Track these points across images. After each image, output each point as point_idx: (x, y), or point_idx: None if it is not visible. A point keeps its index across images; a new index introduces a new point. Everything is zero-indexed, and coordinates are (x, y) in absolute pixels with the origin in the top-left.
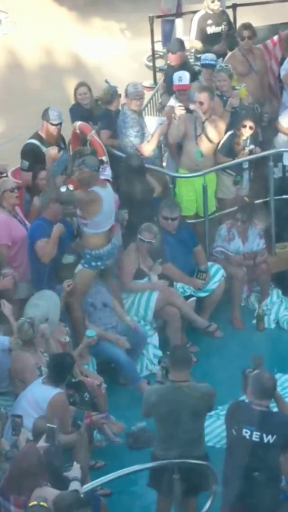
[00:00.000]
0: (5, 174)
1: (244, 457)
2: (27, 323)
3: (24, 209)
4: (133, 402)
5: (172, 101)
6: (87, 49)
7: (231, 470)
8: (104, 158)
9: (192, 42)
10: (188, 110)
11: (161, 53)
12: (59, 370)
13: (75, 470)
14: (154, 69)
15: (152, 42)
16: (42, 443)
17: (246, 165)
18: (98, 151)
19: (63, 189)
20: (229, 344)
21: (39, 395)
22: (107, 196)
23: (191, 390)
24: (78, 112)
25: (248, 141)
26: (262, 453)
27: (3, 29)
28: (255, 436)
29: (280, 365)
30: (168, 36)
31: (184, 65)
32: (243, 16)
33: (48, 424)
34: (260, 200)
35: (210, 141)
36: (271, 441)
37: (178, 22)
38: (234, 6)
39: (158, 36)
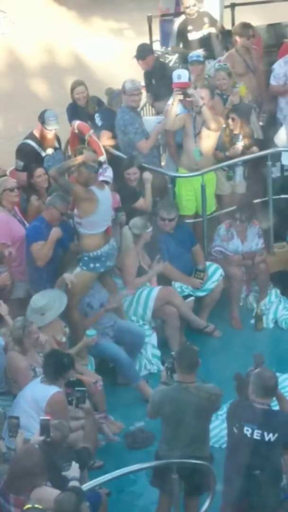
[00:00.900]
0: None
1: (245, 456)
2: (20, 322)
3: (20, 208)
4: (131, 402)
5: (170, 100)
6: (86, 48)
7: (232, 468)
8: (102, 158)
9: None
10: (186, 94)
11: (160, 53)
12: (53, 367)
13: (74, 470)
14: None
15: (151, 42)
16: (37, 437)
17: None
18: (97, 151)
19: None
20: (228, 344)
21: (38, 395)
22: (104, 198)
23: (199, 391)
24: (75, 111)
25: (240, 137)
26: (263, 452)
27: (1, 29)
28: (256, 434)
29: (279, 365)
30: (166, 35)
31: (156, 66)
32: (242, 16)
33: (42, 417)
34: (258, 200)
35: (209, 128)
36: (272, 439)
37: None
38: (232, 6)
39: (157, 36)
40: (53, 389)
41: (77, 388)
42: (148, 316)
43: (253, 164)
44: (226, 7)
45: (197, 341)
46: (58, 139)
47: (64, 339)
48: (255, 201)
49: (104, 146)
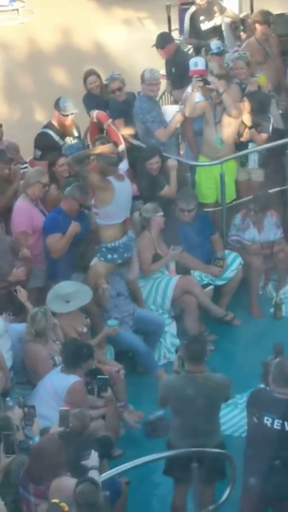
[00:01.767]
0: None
1: (265, 445)
2: (41, 312)
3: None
4: (151, 391)
5: (189, 88)
6: (106, 37)
7: (252, 458)
8: (121, 147)
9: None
10: (206, 82)
11: (178, 41)
12: (72, 356)
13: (93, 459)
14: None
15: (170, 30)
16: (56, 428)
17: (251, 147)
18: (115, 140)
19: None
20: (247, 332)
21: (57, 384)
22: (122, 189)
23: (206, 381)
24: (91, 101)
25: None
26: (283, 442)
27: (20, 18)
28: (277, 424)
29: None
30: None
31: (177, 55)
32: (260, 4)
33: (61, 408)
34: (277, 189)
35: (230, 115)
36: None
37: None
38: None
39: (176, 24)
40: (73, 378)
41: (99, 376)
42: (167, 305)
43: (273, 153)
44: None
45: (217, 330)
46: (77, 128)
47: (85, 330)
48: (274, 190)
49: (122, 135)
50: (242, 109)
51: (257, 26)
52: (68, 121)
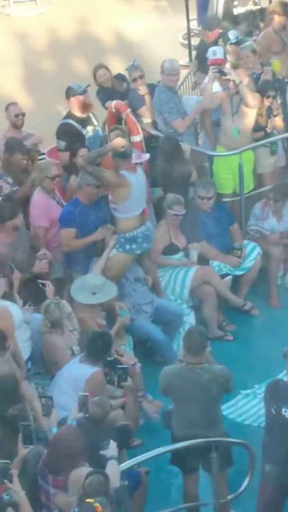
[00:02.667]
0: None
1: (283, 436)
2: (53, 303)
3: (61, 187)
4: None
5: (207, 78)
6: (124, 26)
7: (270, 448)
8: (139, 137)
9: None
10: (222, 73)
11: (197, 31)
12: (97, 348)
13: (112, 449)
14: (189, 47)
15: (188, 20)
16: (75, 413)
17: (276, 134)
18: (133, 130)
19: None
20: (266, 322)
21: (76, 374)
22: (137, 181)
23: (205, 372)
24: (104, 94)
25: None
26: None
27: (38, 9)
28: None
29: None
30: (204, 13)
31: (217, 42)
32: None
33: (81, 393)
34: None
35: (247, 105)
36: None
37: None
38: None
39: (193, 14)
40: (91, 369)
41: (118, 366)
42: (185, 295)
43: None
44: None
45: (235, 320)
46: (95, 117)
47: (104, 322)
48: None
49: (141, 125)
50: (259, 99)
51: (276, 16)
52: (87, 99)
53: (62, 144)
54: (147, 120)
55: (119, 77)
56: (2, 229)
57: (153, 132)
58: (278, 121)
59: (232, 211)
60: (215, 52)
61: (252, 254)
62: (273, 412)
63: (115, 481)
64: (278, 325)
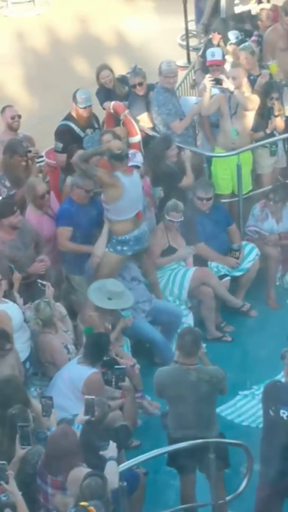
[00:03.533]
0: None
1: (282, 438)
2: (44, 302)
3: (59, 188)
4: None
5: (207, 77)
6: (123, 27)
7: (268, 449)
8: (137, 138)
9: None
10: (218, 81)
11: (195, 32)
12: (96, 349)
13: (112, 450)
14: (187, 48)
15: (186, 21)
16: (82, 417)
17: (277, 135)
18: (131, 131)
19: None
20: (264, 323)
21: (75, 375)
22: (131, 184)
23: (199, 373)
24: (104, 94)
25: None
26: None
27: (36, 9)
28: None
29: None
30: (201, 14)
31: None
32: None
33: (87, 396)
34: None
35: (245, 109)
36: None
37: None
38: None
39: (191, 15)
40: (90, 370)
41: (116, 366)
42: (184, 296)
43: None
44: None
45: (233, 321)
46: (97, 119)
47: (110, 327)
48: None
49: (139, 126)
50: (256, 101)
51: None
52: (86, 113)
53: (59, 145)
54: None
55: (122, 80)
56: None
57: (151, 133)
58: (280, 122)
59: (230, 212)
60: (213, 54)
61: (251, 255)
62: (271, 413)
63: (113, 482)
64: (276, 326)
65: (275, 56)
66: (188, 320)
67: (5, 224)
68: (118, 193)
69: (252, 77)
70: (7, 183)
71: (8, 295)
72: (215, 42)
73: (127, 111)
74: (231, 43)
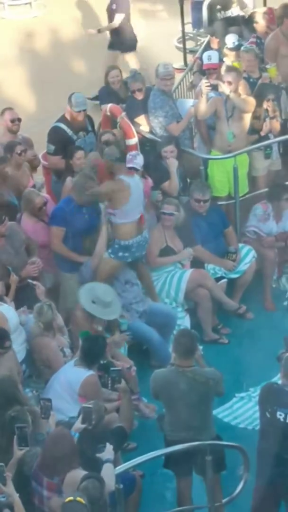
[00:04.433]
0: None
1: (278, 440)
2: (46, 305)
3: (52, 191)
4: None
5: (203, 82)
6: None
7: (265, 451)
8: (134, 141)
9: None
10: (214, 87)
11: (191, 35)
12: (92, 352)
13: (108, 452)
14: (184, 50)
15: (182, 24)
16: (79, 425)
17: (272, 137)
18: (128, 134)
19: None
20: (261, 326)
21: (71, 377)
22: (135, 185)
23: (195, 375)
24: (107, 94)
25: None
26: None
27: (33, 12)
28: None
29: None
30: (198, 17)
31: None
32: None
33: (84, 405)
34: None
35: (242, 111)
36: None
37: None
38: None
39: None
40: (86, 372)
41: (112, 368)
42: (180, 298)
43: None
44: None
45: (230, 323)
46: (91, 122)
47: (100, 329)
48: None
49: (136, 129)
50: (253, 103)
51: (286, 20)
52: (81, 116)
53: (52, 148)
54: (144, 128)
55: (126, 84)
56: None
57: (148, 136)
58: (275, 124)
59: (227, 214)
60: (209, 57)
61: (247, 258)
62: (267, 415)
63: (110, 484)
64: (272, 328)
65: (276, 62)
66: (185, 322)
67: None
68: (125, 197)
69: (251, 80)
70: None
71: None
72: (214, 46)
73: (123, 113)
74: (228, 47)
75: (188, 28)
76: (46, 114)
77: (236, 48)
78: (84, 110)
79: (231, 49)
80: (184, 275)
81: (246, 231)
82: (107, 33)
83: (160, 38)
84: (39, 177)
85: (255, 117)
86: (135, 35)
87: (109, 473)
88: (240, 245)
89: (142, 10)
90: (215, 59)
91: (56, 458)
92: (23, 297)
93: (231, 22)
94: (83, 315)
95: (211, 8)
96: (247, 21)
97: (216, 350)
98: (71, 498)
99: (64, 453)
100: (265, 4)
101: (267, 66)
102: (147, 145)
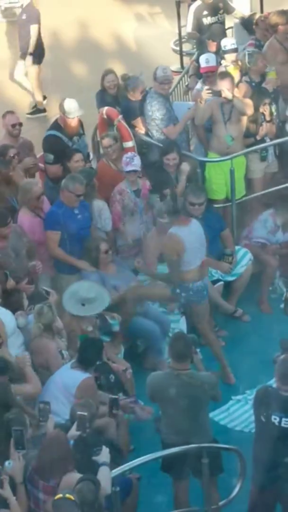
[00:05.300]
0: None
1: (273, 443)
2: (47, 306)
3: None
4: None
5: (199, 85)
6: (114, 33)
7: (261, 455)
8: (131, 143)
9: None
10: (215, 93)
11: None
12: (89, 355)
13: (104, 455)
14: (180, 53)
15: (179, 27)
16: (73, 432)
17: (268, 140)
18: (125, 136)
19: None
20: (257, 328)
21: (68, 380)
22: (191, 234)
23: (190, 379)
24: (104, 98)
25: (264, 116)
26: None
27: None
28: (285, 423)
29: None
30: None
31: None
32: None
33: (79, 412)
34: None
35: (242, 114)
36: None
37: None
38: None
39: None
40: (83, 375)
41: (110, 397)
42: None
43: (283, 148)
44: None
45: (226, 326)
46: (81, 125)
47: (90, 329)
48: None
49: (134, 132)
50: (251, 104)
51: (280, 27)
52: (74, 122)
53: (51, 157)
54: (140, 131)
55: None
56: None
57: (145, 138)
58: (271, 127)
59: (224, 217)
60: (207, 60)
61: (244, 260)
62: (262, 419)
63: (106, 487)
64: (269, 331)
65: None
66: (180, 325)
67: None
68: (180, 249)
69: (253, 83)
70: None
71: None
72: (211, 49)
73: (120, 116)
74: (224, 51)
75: (184, 31)
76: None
77: (234, 51)
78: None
79: (230, 52)
80: None
81: (253, 241)
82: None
83: (157, 40)
84: None
85: (251, 120)
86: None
87: (105, 476)
88: (237, 247)
89: (139, 13)
90: (213, 62)
91: (51, 461)
92: (11, 301)
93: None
94: (71, 317)
95: (197, 12)
96: (246, 23)
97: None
98: (61, 495)
99: (60, 456)
100: (262, 10)
101: (267, 70)
102: (145, 148)
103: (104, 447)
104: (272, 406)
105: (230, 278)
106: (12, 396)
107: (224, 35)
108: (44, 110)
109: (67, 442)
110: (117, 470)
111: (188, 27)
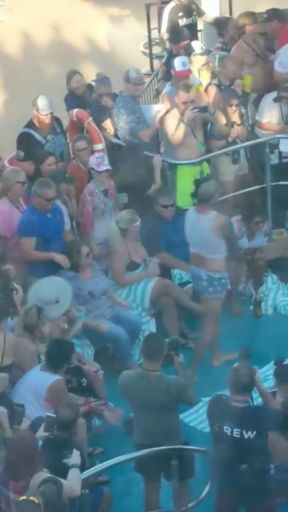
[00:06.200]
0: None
1: (229, 453)
2: (35, 308)
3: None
4: None
5: (168, 88)
6: (83, 35)
7: (219, 463)
8: (101, 146)
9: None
10: (202, 110)
11: (158, 40)
12: (58, 357)
13: (75, 457)
14: (150, 56)
15: (149, 29)
16: (41, 433)
17: (239, 143)
18: (95, 138)
19: None
20: (227, 330)
21: (38, 382)
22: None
23: (157, 381)
24: (73, 100)
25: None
26: (245, 449)
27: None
28: (236, 433)
29: (278, 351)
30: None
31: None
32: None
33: (48, 414)
34: (257, 187)
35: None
36: (251, 437)
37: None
38: None
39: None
40: (52, 377)
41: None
42: (146, 304)
43: (253, 151)
44: None
45: (197, 328)
46: (60, 123)
47: (66, 326)
48: (255, 188)
49: (103, 134)
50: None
51: (248, 27)
52: (48, 119)
53: (21, 154)
54: (109, 132)
55: (90, 87)
56: None
57: (114, 140)
58: (242, 130)
59: None
60: (184, 64)
61: None
62: (215, 429)
63: (76, 489)
64: (238, 333)
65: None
66: (150, 326)
67: None
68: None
69: (222, 86)
70: None
71: None
72: (175, 52)
73: (90, 118)
74: (195, 54)
75: (155, 33)
76: (15, 119)
77: (206, 53)
78: (51, 113)
79: (201, 54)
80: (148, 284)
81: None
82: None
83: (126, 43)
84: None
85: (222, 123)
86: None
87: (75, 478)
88: None
89: (110, 15)
90: (188, 65)
91: (19, 460)
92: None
93: (192, 30)
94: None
95: (172, 14)
96: (218, 25)
97: (183, 355)
98: (24, 497)
99: (27, 456)
100: (231, 13)
101: (243, 73)
102: (115, 149)
103: (74, 450)
104: (223, 417)
105: None
106: None
107: (195, 37)
108: None
109: (35, 442)
110: (87, 472)
111: (163, 28)
